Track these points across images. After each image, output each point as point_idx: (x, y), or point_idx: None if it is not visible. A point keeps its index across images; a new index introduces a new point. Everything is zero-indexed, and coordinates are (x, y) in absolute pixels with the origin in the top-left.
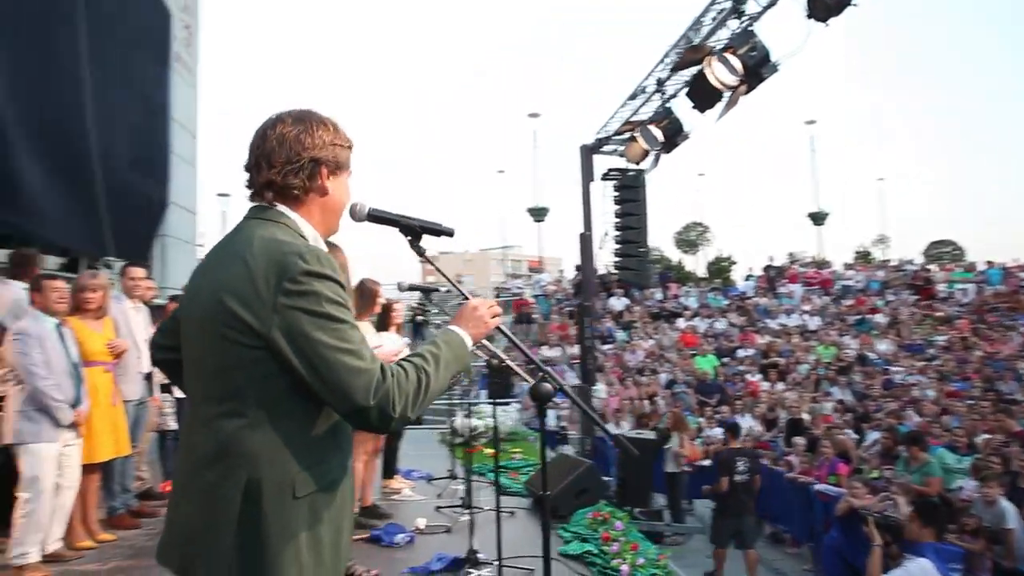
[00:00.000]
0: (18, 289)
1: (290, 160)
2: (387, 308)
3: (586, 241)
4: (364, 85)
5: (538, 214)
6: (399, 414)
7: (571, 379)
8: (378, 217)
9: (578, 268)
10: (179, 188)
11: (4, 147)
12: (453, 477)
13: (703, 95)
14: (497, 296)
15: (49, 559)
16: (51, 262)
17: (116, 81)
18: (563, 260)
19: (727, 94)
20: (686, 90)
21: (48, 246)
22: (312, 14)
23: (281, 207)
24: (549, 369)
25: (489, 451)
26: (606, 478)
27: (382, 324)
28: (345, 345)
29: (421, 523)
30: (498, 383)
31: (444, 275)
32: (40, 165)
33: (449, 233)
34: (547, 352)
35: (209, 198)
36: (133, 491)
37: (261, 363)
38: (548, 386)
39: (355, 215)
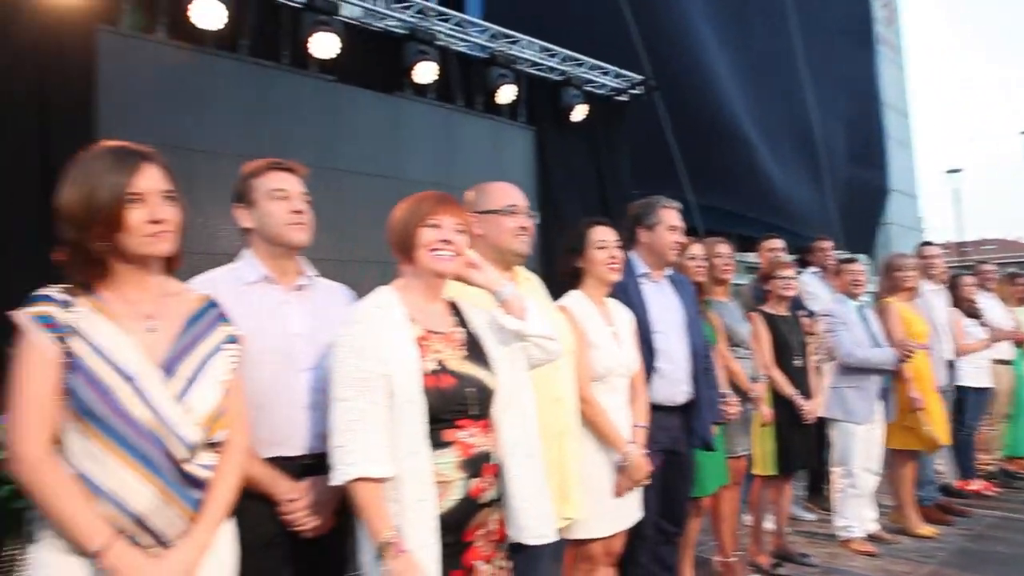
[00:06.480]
0: (808, 276)
1: None
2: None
3: None
4: None
5: None
6: None
7: None
8: None
9: None
10: (897, 173)
11: (750, 151)
12: None
13: None
14: None
15: (871, 538)
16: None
17: (826, 72)
18: None
19: None
20: None
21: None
22: None
23: None
24: None
25: None
26: None
27: None
28: None
29: None
30: None
31: None
32: (778, 165)
33: None
34: None
35: (933, 177)
36: (935, 483)
37: None
38: None
39: None
